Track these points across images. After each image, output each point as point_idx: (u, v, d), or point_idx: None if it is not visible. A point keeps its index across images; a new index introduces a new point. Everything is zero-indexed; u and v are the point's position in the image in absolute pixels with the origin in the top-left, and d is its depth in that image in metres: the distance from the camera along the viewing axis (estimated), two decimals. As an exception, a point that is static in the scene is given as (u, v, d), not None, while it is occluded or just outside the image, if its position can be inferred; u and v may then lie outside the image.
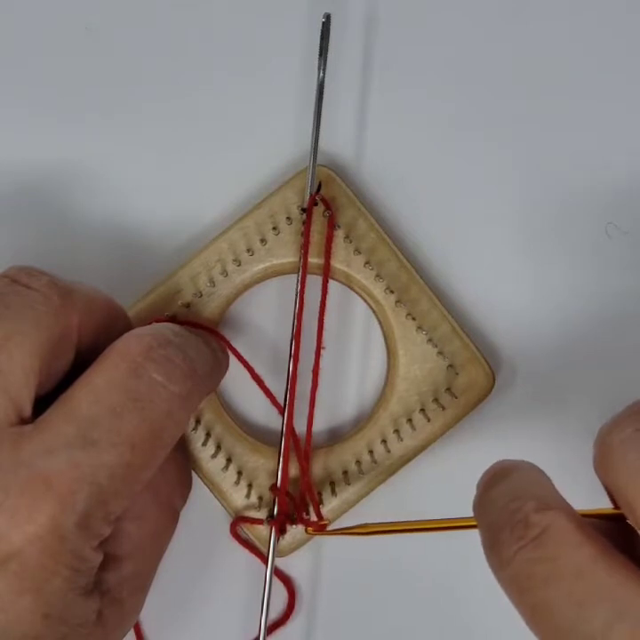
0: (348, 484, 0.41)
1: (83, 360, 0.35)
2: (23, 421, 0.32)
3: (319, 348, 0.40)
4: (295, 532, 0.41)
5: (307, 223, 0.41)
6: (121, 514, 0.33)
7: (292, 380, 0.39)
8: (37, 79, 0.43)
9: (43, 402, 0.33)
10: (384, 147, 0.43)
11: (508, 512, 0.31)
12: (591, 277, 0.43)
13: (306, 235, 0.41)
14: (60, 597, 0.32)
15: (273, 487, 0.40)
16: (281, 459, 0.40)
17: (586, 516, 0.32)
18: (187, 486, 0.40)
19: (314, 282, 0.41)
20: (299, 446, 0.40)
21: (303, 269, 0.40)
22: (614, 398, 0.43)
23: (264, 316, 0.43)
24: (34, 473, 0.31)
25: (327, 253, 0.41)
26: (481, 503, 0.33)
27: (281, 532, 0.40)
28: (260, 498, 0.41)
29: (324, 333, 0.41)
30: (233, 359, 0.41)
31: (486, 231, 0.43)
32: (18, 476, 0.31)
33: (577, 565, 0.29)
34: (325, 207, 0.41)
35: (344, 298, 0.43)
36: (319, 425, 0.43)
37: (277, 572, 0.42)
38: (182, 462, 0.40)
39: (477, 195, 0.43)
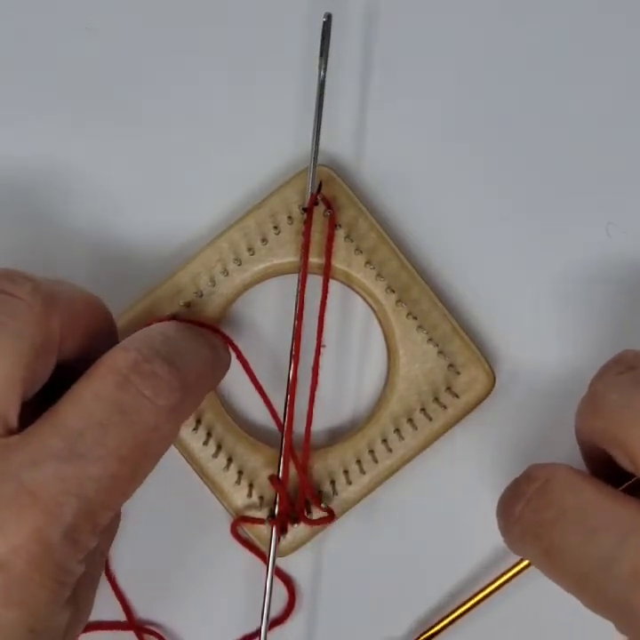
0: (350, 483, 0.41)
1: (65, 363, 0.35)
2: (9, 432, 0.32)
3: (319, 347, 0.40)
4: (296, 531, 0.41)
5: (307, 222, 0.41)
6: None
7: (292, 380, 0.39)
8: (32, 82, 0.43)
9: (26, 407, 0.33)
10: (384, 147, 0.43)
11: (513, 484, 0.34)
12: (591, 277, 0.43)
13: (306, 234, 0.41)
14: (45, 610, 0.31)
15: (273, 481, 0.40)
16: (282, 458, 0.40)
17: None
18: None
19: (314, 281, 0.41)
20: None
21: (304, 269, 0.40)
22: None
23: (264, 316, 0.43)
24: (20, 485, 0.30)
25: (328, 253, 0.41)
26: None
27: (282, 531, 0.40)
28: (261, 497, 0.41)
29: (325, 333, 0.41)
30: (234, 359, 0.41)
31: (487, 231, 0.43)
32: (4, 488, 0.31)
33: (581, 502, 0.32)
34: (326, 207, 0.41)
35: (344, 298, 0.43)
36: (320, 424, 0.43)
37: (278, 572, 0.42)
38: None
39: (478, 194, 0.43)
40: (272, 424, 0.42)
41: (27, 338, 0.32)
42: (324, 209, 0.41)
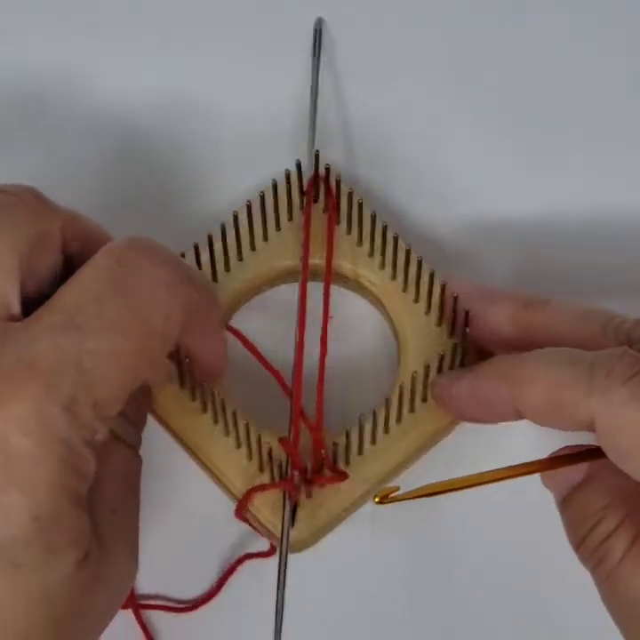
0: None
1: None
2: (12, 318, 0.32)
3: (326, 317, 0.40)
4: (308, 519, 0.38)
5: (307, 200, 0.41)
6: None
7: (300, 340, 0.39)
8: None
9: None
10: (385, 146, 0.45)
11: None
12: (591, 277, 0.44)
13: (306, 215, 0.41)
14: (50, 496, 0.30)
15: (284, 442, 0.38)
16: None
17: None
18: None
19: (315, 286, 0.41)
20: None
21: (306, 249, 0.41)
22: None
23: (268, 323, 0.43)
24: (18, 359, 0.30)
25: (330, 236, 0.41)
26: None
27: (295, 497, 0.37)
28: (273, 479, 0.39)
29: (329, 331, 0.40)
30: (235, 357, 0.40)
31: (487, 229, 0.44)
32: (2, 362, 0.30)
33: None
34: (326, 189, 0.41)
35: (345, 295, 0.43)
36: (329, 418, 0.40)
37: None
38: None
39: (479, 194, 0.44)
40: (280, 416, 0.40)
41: (22, 227, 0.33)
42: (323, 206, 0.42)
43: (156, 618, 0.41)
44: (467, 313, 0.38)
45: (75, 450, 0.30)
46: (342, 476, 0.38)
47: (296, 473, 0.37)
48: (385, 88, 0.45)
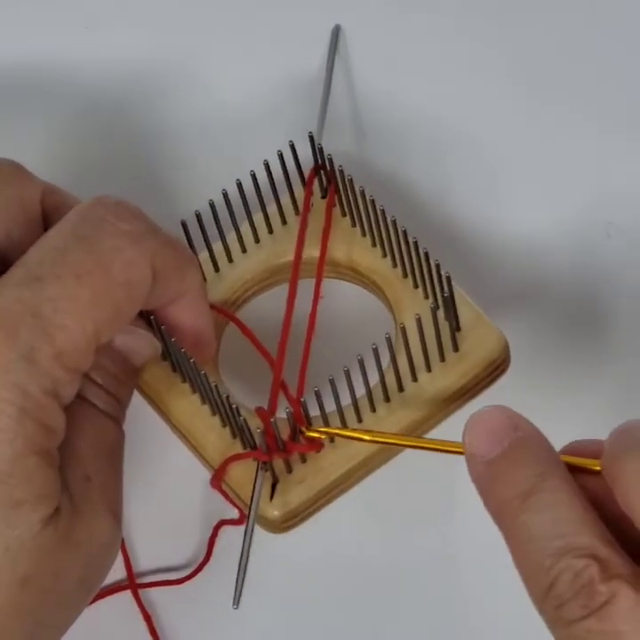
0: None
1: None
2: None
3: (319, 278, 0.40)
4: (286, 495, 0.37)
5: (306, 192, 0.42)
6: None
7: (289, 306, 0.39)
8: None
9: None
10: (386, 144, 0.46)
11: (564, 566, 0.28)
12: (591, 277, 0.43)
13: (305, 204, 0.42)
14: (10, 446, 0.30)
15: (260, 412, 0.37)
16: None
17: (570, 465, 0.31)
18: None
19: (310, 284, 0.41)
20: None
21: (302, 226, 0.41)
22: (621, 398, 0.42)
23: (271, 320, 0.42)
24: None
25: (327, 222, 0.42)
26: (513, 525, 0.30)
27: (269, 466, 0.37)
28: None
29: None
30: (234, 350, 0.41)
31: (489, 230, 0.44)
32: None
33: None
34: (326, 179, 0.42)
35: (346, 288, 0.43)
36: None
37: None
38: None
39: (478, 191, 0.45)
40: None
41: None
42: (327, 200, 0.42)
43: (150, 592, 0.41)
44: (448, 278, 0.38)
45: (34, 398, 0.30)
46: (316, 445, 0.37)
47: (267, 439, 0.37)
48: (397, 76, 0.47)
